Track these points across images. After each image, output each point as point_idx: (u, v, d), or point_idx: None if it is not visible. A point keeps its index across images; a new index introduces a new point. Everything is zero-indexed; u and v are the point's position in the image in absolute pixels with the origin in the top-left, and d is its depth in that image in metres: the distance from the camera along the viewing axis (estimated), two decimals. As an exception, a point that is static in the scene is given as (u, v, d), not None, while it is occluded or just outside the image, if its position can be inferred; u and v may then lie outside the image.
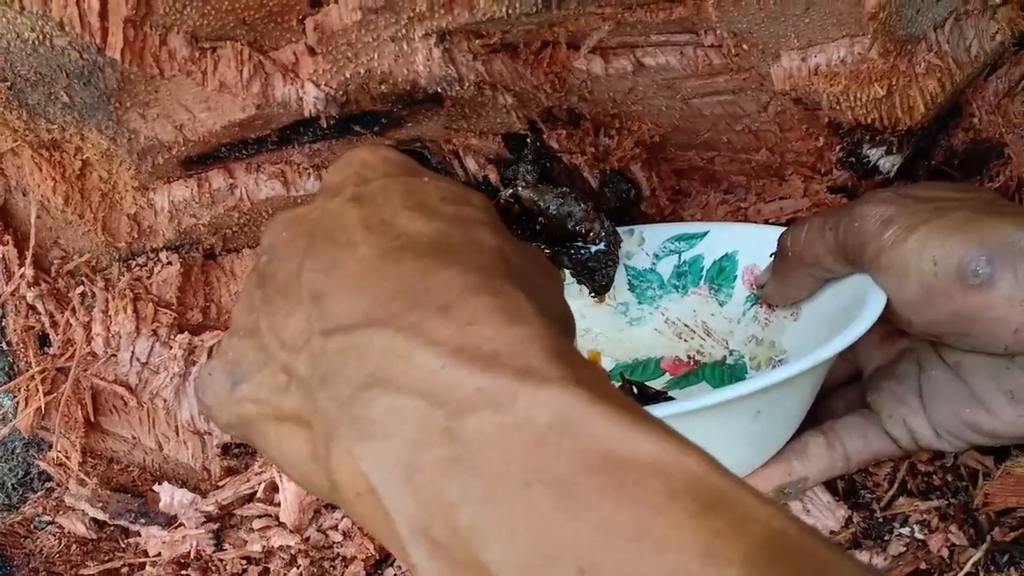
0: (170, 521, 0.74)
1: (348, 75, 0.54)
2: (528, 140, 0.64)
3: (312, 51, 0.51)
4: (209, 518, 0.72)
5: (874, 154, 0.63)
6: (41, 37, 0.48)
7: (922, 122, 0.57)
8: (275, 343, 0.37)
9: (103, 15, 0.46)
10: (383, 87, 0.54)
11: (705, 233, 0.67)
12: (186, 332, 0.68)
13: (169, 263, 0.65)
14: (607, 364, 0.70)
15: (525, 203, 0.63)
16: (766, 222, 0.69)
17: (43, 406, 0.65)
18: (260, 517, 0.73)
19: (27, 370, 0.65)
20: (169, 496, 0.73)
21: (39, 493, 0.77)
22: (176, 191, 0.61)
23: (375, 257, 0.36)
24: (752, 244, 0.65)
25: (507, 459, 0.28)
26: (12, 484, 0.81)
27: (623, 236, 0.69)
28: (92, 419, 0.70)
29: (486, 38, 0.54)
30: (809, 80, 0.56)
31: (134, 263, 0.65)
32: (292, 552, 0.71)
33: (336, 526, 0.72)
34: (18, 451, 0.80)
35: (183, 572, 0.73)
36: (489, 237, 0.38)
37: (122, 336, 0.66)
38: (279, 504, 0.73)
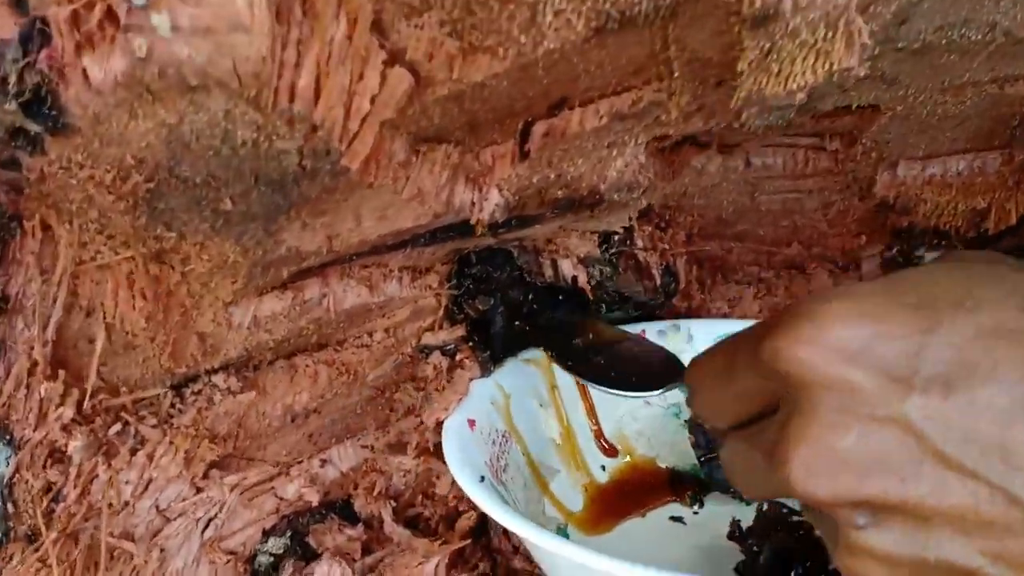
0: None
1: (536, 180, 0.52)
2: (614, 238, 0.65)
3: (524, 155, 0.49)
4: None
5: (928, 257, 0.72)
6: (260, 139, 0.42)
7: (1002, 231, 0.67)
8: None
9: (366, 118, 0.42)
10: (560, 192, 0.54)
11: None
12: (216, 469, 0.60)
13: (229, 390, 0.57)
14: (662, 468, 0.73)
15: None
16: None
17: (56, 582, 0.54)
18: None
19: (32, 536, 0.54)
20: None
21: None
22: (266, 304, 0.56)
23: None
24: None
25: None
26: None
27: (668, 331, 0.73)
28: (72, 589, 0.59)
29: (667, 139, 0.56)
30: (920, 188, 0.64)
31: (188, 391, 0.57)
32: None
33: None
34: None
35: None
36: None
37: (156, 481, 0.57)
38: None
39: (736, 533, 0.66)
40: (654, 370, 0.61)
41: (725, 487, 0.70)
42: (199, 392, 0.58)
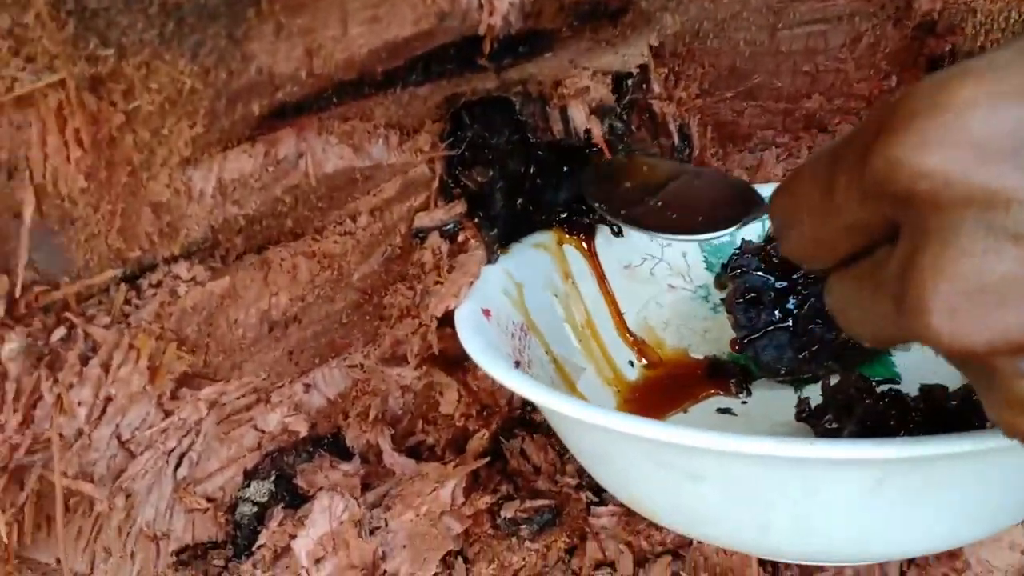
0: None
1: (556, -28, 0.43)
2: (628, 83, 0.56)
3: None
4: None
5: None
6: None
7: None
8: None
9: None
10: (584, -8, 0.45)
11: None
12: (186, 388, 0.50)
13: (195, 280, 0.46)
14: (697, 359, 0.64)
15: None
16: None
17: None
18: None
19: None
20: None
21: None
22: (232, 163, 0.45)
23: None
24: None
25: None
26: None
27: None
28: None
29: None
30: (971, -9, 0.56)
31: (145, 283, 0.46)
32: None
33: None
34: None
35: None
36: None
37: (116, 400, 0.46)
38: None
39: (806, 412, 0.57)
40: (724, 203, 0.52)
41: (774, 371, 0.61)
42: (159, 284, 0.47)
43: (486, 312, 0.54)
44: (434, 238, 0.56)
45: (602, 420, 0.42)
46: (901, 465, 0.39)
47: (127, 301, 0.46)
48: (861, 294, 0.35)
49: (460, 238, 0.57)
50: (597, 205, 0.57)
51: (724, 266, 0.65)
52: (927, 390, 0.52)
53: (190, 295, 0.47)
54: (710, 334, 0.65)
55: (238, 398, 0.56)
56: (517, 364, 0.50)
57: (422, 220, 0.56)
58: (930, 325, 0.30)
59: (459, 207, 0.57)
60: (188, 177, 0.45)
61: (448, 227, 0.56)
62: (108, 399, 0.47)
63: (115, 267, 0.45)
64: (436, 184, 0.55)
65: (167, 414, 0.50)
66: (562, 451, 0.66)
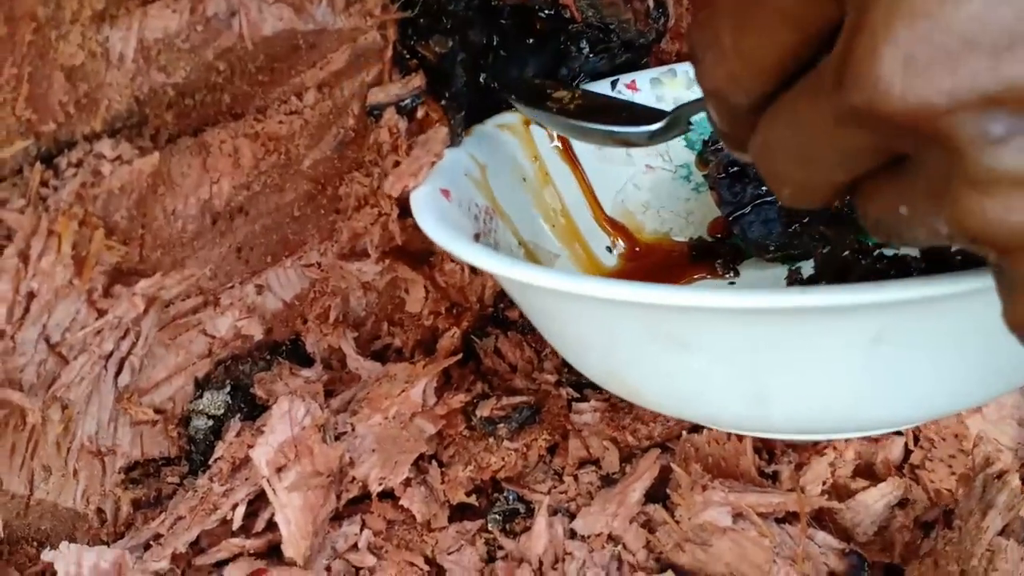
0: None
1: None
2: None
3: None
4: (162, 581, 0.50)
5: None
6: None
7: None
8: None
9: None
10: None
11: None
12: (120, 285, 0.45)
13: (121, 160, 0.41)
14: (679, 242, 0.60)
15: None
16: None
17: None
18: (236, 559, 0.52)
19: None
20: (72, 564, 0.49)
21: None
22: (153, 20, 0.40)
23: None
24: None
25: None
26: None
27: (664, 78, 0.60)
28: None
29: None
30: None
31: (63, 162, 0.41)
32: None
33: (357, 544, 0.54)
34: None
35: None
36: None
37: (40, 296, 0.41)
38: (260, 532, 0.53)
39: (798, 281, 0.53)
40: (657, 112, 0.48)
41: (762, 247, 0.57)
42: (79, 164, 0.42)
43: (445, 192, 0.50)
44: (390, 115, 0.51)
45: (585, 288, 0.38)
46: (903, 312, 0.36)
47: (44, 183, 0.41)
48: (797, 115, 0.29)
49: (419, 114, 0.52)
50: (512, 97, 0.55)
51: (706, 142, 0.61)
52: (929, 248, 0.49)
53: (116, 175, 0.42)
54: (693, 216, 0.61)
55: (182, 299, 0.51)
56: (477, 236, 0.46)
57: (376, 96, 0.51)
58: (879, 81, 0.24)
59: (417, 80, 0.52)
60: (104, 37, 0.40)
61: (405, 102, 0.52)
62: (31, 295, 0.42)
63: (26, 140, 0.40)
64: (390, 54, 0.50)
65: (100, 313, 0.45)
66: (539, 348, 0.62)
